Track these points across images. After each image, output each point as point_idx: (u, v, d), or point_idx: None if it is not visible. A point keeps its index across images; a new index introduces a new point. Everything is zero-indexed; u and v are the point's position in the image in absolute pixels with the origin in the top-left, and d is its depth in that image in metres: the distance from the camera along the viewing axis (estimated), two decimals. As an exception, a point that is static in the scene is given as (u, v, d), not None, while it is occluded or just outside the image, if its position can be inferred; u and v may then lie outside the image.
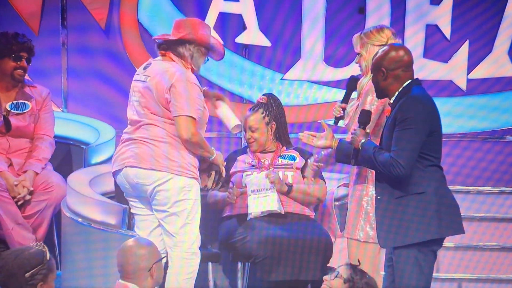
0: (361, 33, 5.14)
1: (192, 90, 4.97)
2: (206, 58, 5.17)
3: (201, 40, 5.10)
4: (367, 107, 4.95)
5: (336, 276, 4.52)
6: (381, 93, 4.61)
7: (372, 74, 4.64)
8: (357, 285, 4.48)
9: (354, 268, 4.53)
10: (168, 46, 5.12)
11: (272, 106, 5.66)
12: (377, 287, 4.56)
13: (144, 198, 5.10)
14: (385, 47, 4.60)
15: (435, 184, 4.49)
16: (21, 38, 6.13)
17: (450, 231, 4.52)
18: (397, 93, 4.52)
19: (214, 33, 5.25)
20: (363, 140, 4.57)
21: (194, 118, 4.95)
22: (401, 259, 4.49)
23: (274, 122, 5.65)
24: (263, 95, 5.76)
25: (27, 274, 3.86)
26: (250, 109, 5.71)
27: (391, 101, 4.55)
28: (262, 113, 5.64)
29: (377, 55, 4.57)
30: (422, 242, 4.45)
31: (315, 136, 4.94)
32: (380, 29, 5.12)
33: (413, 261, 4.46)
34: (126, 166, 5.04)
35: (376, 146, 4.55)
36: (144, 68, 5.17)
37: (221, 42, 5.34)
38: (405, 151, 4.42)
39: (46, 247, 3.97)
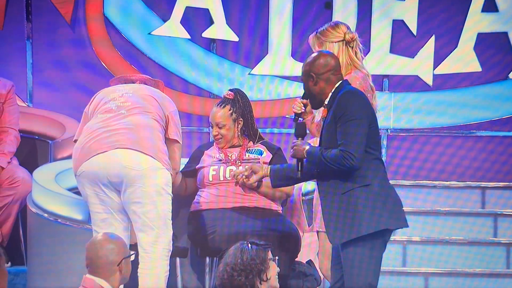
0: (316, 33, 5.13)
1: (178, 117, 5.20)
2: None
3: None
4: None
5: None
6: (315, 101, 4.66)
7: (303, 84, 4.68)
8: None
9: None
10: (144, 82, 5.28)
11: (239, 102, 5.64)
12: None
13: (115, 191, 4.96)
14: (313, 54, 4.68)
15: (380, 177, 4.55)
16: None
17: (400, 223, 4.58)
18: (330, 94, 4.60)
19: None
20: (307, 148, 4.61)
21: (180, 145, 5.17)
22: (350, 255, 4.51)
23: (241, 118, 5.63)
24: (230, 90, 5.72)
25: None
26: (217, 104, 5.68)
27: (326, 103, 4.61)
28: (230, 110, 5.61)
29: (305, 63, 4.66)
30: (372, 235, 4.48)
31: (246, 175, 5.14)
32: (335, 25, 5.13)
33: (363, 255, 4.49)
34: (115, 148, 4.90)
35: (320, 148, 4.58)
36: (121, 85, 5.18)
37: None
38: (353, 142, 4.47)
39: None
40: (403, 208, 4.62)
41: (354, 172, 4.49)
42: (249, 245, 4.42)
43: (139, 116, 4.99)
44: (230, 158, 5.61)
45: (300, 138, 4.67)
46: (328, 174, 4.54)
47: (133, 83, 5.26)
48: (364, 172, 4.51)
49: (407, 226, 4.61)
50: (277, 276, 4.47)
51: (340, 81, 4.62)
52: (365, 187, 4.50)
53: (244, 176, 5.18)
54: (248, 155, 5.62)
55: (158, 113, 5.06)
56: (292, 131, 4.75)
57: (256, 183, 5.43)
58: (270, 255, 4.44)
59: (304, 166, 4.62)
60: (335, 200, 4.53)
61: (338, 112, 4.51)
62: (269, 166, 4.99)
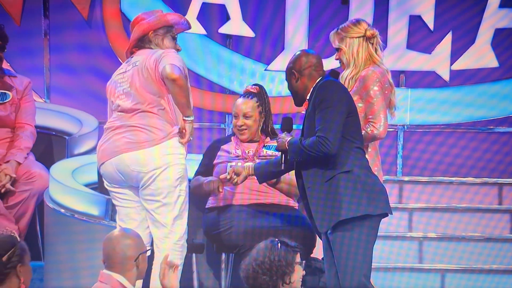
0: (337, 29, 5.19)
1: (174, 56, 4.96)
2: (173, 37, 5.15)
3: (151, 24, 5.11)
4: (370, 93, 5.01)
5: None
6: (297, 97, 4.79)
7: (287, 82, 4.82)
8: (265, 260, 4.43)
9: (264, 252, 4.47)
10: (138, 48, 5.13)
11: (263, 97, 5.64)
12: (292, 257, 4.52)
13: (133, 188, 5.06)
14: (296, 53, 4.82)
15: (359, 163, 4.64)
16: None
17: (379, 209, 4.63)
18: (312, 89, 4.71)
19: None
20: (288, 139, 4.73)
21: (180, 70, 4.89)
22: (338, 240, 4.59)
23: (264, 113, 5.63)
24: (253, 85, 5.71)
25: (4, 258, 3.90)
26: (243, 96, 5.65)
27: (308, 97, 4.72)
28: (257, 102, 5.60)
29: (289, 61, 4.80)
30: (355, 219, 4.55)
31: (230, 178, 5.14)
32: (356, 22, 5.18)
33: (349, 240, 4.57)
34: (122, 153, 4.97)
35: (300, 138, 4.69)
36: (127, 62, 5.15)
37: (179, 15, 5.29)
38: (329, 127, 4.56)
39: (13, 231, 4.01)
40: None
41: (335, 159, 4.59)
42: (279, 244, 4.44)
43: (140, 116, 4.98)
44: (247, 154, 5.60)
45: (285, 132, 4.80)
46: (311, 163, 4.64)
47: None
48: (344, 159, 4.61)
49: (389, 212, 4.67)
50: (301, 280, 4.47)
51: (321, 77, 4.73)
52: (345, 173, 4.60)
53: (228, 180, 5.18)
54: (266, 151, 5.61)
55: (155, 94, 4.96)
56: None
57: (274, 180, 5.45)
58: (298, 258, 4.45)
59: (289, 158, 4.73)
60: (320, 189, 4.63)
61: (316, 101, 4.63)
62: (252, 165, 5.08)
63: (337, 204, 4.57)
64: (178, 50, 5.14)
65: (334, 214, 4.58)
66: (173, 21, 5.19)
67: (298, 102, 4.82)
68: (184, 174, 5.02)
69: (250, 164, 5.18)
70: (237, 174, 5.12)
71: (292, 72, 4.76)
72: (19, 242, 4.00)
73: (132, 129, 4.98)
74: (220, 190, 5.39)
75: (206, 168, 5.63)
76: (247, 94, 5.62)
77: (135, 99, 5.00)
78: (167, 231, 4.99)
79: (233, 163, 5.57)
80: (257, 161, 5.54)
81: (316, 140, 4.58)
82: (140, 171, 4.96)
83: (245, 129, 5.58)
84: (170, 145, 4.97)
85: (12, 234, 4.00)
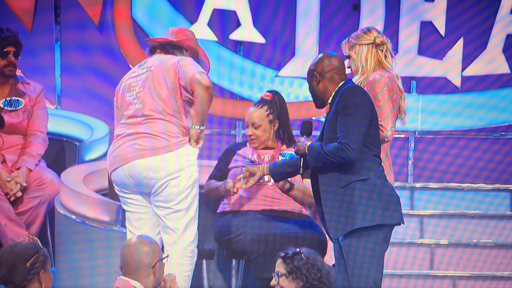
0: (348, 38, 5.23)
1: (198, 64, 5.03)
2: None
3: (195, 49, 5.19)
4: (379, 97, 5.02)
5: (278, 277, 4.59)
6: (318, 100, 4.76)
7: (308, 84, 4.79)
8: (302, 271, 4.56)
9: (288, 258, 4.59)
10: (166, 48, 5.14)
11: (276, 104, 5.63)
12: (323, 263, 4.65)
13: (144, 194, 5.06)
14: (319, 55, 4.79)
15: (376, 172, 4.62)
16: (4, 33, 6.07)
17: (394, 219, 4.62)
18: (333, 93, 4.69)
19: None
20: (308, 143, 4.70)
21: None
22: (350, 247, 4.57)
23: (277, 120, 5.63)
24: (268, 91, 5.71)
25: (28, 263, 3.93)
26: (254, 104, 5.66)
27: (329, 101, 4.70)
28: (267, 111, 5.60)
29: (311, 63, 4.77)
30: (370, 228, 4.54)
31: (243, 177, 5.10)
32: (367, 30, 5.21)
33: (361, 248, 4.55)
34: (135, 159, 4.97)
35: (321, 143, 4.67)
36: (140, 66, 5.15)
37: (207, 59, 5.36)
38: (351, 134, 4.54)
39: (37, 238, 4.05)
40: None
41: (353, 166, 4.56)
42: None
43: (154, 122, 4.98)
44: (263, 160, 5.60)
45: (305, 136, 4.77)
46: (328, 168, 4.62)
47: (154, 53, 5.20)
48: (360, 166, 4.58)
49: (402, 222, 4.66)
50: None
51: (344, 81, 4.70)
52: (362, 181, 4.58)
53: (242, 180, 5.13)
54: (281, 159, 5.61)
55: (170, 100, 4.98)
56: (318, 133, 4.78)
57: (289, 185, 5.44)
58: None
59: (308, 158, 4.69)
60: (335, 195, 4.61)
61: (339, 106, 4.60)
62: (267, 165, 5.04)
63: (352, 213, 4.55)
64: None
65: (349, 222, 4.56)
66: (205, 64, 5.22)
67: (319, 104, 4.79)
68: (195, 180, 5.02)
69: (264, 164, 5.15)
70: (252, 174, 5.09)
71: (313, 74, 4.73)
72: (42, 249, 4.05)
73: (144, 135, 4.98)
74: (235, 190, 5.38)
75: (221, 173, 5.64)
76: (258, 102, 5.63)
77: (149, 105, 5.00)
78: (176, 237, 5.00)
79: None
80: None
81: (338, 147, 4.55)
82: (153, 177, 4.96)
83: (254, 139, 5.60)
84: (182, 152, 4.97)
85: (35, 241, 4.04)
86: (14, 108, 6.14)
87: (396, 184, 5.49)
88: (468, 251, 7.17)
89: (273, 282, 4.80)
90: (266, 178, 5.29)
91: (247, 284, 5.64)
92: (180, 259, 4.96)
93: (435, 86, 7.76)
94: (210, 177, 5.65)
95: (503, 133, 7.74)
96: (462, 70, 7.69)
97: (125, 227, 5.33)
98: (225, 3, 7.57)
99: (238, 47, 7.65)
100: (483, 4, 7.67)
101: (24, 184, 5.93)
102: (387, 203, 4.59)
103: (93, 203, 5.70)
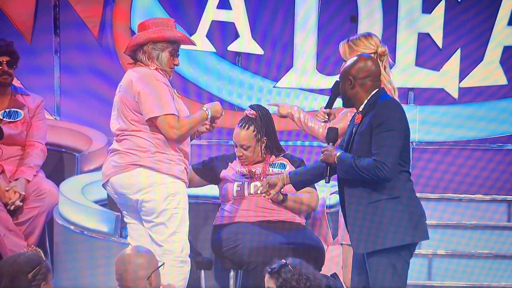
0: (348, 41, 5.10)
1: (159, 88, 4.95)
2: (175, 52, 5.10)
3: (152, 37, 5.05)
4: None
5: None
6: (348, 102, 4.63)
7: (340, 83, 4.65)
8: (292, 283, 4.52)
9: (275, 272, 4.55)
10: (133, 57, 5.14)
11: (262, 121, 5.61)
12: (312, 273, 4.58)
13: (132, 207, 5.10)
14: (354, 57, 4.63)
15: (408, 190, 4.53)
16: None
17: (423, 237, 4.56)
18: (366, 101, 4.54)
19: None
20: (338, 154, 4.56)
21: (172, 114, 4.94)
22: (377, 267, 4.49)
23: (265, 137, 5.63)
24: (251, 108, 5.66)
25: (30, 275, 3.92)
26: (240, 125, 5.60)
27: (361, 109, 4.56)
28: (254, 131, 5.58)
29: (346, 64, 4.61)
30: (397, 247, 4.47)
31: (264, 191, 4.91)
32: (368, 36, 5.09)
33: (387, 266, 4.48)
34: (111, 176, 5.04)
35: (353, 155, 4.53)
36: (121, 81, 5.21)
37: (183, 33, 5.26)
38: (389, 153, 4.44)
39: (39, 249, 4.04)
40: (427, 221, 4.62)
41: (383, 183, 4.46)
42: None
43: (125, 138, 5.03)
44: (254, 173, 5.62)
45: (331, 143, 4.63)
46: (356, 182, 4.50)
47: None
48: (393, 184, 4.48)
49: (428, 238, 4.60)
50: None
51: (377, 89, 4.57)
52: (393, 199, 4.48)
53: (264, 194, 4.96)
54: (272, 170, 5.63)
55: (138, 116, 5.00)
56: (315, 143, 4.76)
57: (282, 196, 5.44)
58: None
59: (338, 170, 4.56)
60: (360, 210, 4.51)
61: (376, 120, 4.46)
62: (287, 174, 4.86)
63: (382, 233, 4.45)
64: (176, 65, 5.12)
65: (378, 241, 4.46)
66: (175, 38, 5.10)
67: (347, 104, 4.65)
68: (173, 191, 5.00)
69: (284, 173, 4.97)
70: (273, 185, 4.86)
71: (347, 77, 4.56)
72: (44, 261, 4.04)
73: (118, 152, 5.05)
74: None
75: (204, 167, 5.66)
76: (244, 122, 5.58)
77: (120, 123, 5.06)
78: (163, 249, 5.00)
79: (240, 183, 5.59)
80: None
81: (373, 164, 4.42)
82: (127, 193, 5.02)
83: (244, 159, 5.61)
84: (154, 166, 4.97)
85: (38, 252, 4.02)
86: (13, 120, 6.16)
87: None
88: (467, 261, 7.16)
89: None
90: (259, 191, 5.18)
91: (245, 294, 5.66)
92: (169, 269, 4.94)
93: (433, 97, 7.77)
94: (193, 167, 5.65)
95: (501, 144, 7.75)
96: (460, 82, 7.70)
97: (124, 237, 5.35)
98: (224, 15, 7.59)
99: (237, 58, 7.67)
100: (480, 16, 7.69)
101: (23, 193, 5.94)
102: (418, 223, 4.51)
103: (92, 213, 5.71)
